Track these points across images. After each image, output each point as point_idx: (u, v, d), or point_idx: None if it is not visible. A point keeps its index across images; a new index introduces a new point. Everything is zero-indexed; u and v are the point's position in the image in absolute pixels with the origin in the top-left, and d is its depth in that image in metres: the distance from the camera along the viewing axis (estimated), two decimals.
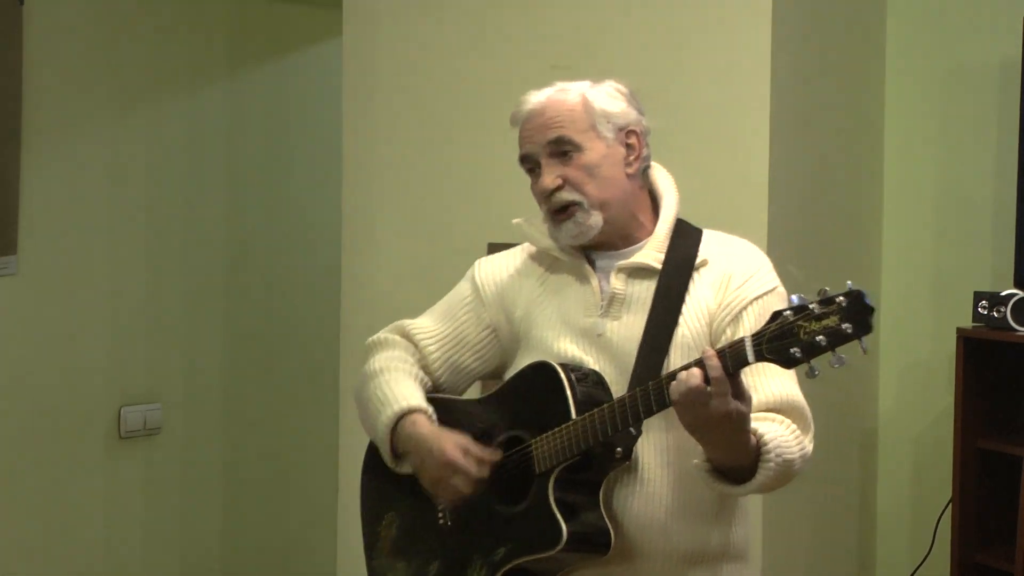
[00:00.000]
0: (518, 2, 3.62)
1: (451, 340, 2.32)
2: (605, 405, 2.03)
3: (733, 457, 1.95)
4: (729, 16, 3.36)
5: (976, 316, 3.46)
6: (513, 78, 3.58)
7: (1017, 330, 3.37)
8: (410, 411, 2.21)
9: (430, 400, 2.26)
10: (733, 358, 1.86)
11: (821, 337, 1.78)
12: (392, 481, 2.33)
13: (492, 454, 2.15)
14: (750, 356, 1.85)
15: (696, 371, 1.87)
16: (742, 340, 1.86)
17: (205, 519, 4.55)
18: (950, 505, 3.54)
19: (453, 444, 2.14)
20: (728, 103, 3.36)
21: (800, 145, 3.51)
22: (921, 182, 3.91)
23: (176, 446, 4.42)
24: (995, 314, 3.40)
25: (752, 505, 3.30)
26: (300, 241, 4.79)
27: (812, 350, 1.80)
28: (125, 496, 4.31)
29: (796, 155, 3.48)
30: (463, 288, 2.36)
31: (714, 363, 1.85)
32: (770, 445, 1.96)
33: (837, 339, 1.78)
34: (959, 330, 3.47)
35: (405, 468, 2.24)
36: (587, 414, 2.04)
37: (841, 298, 1.79)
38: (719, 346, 1.90)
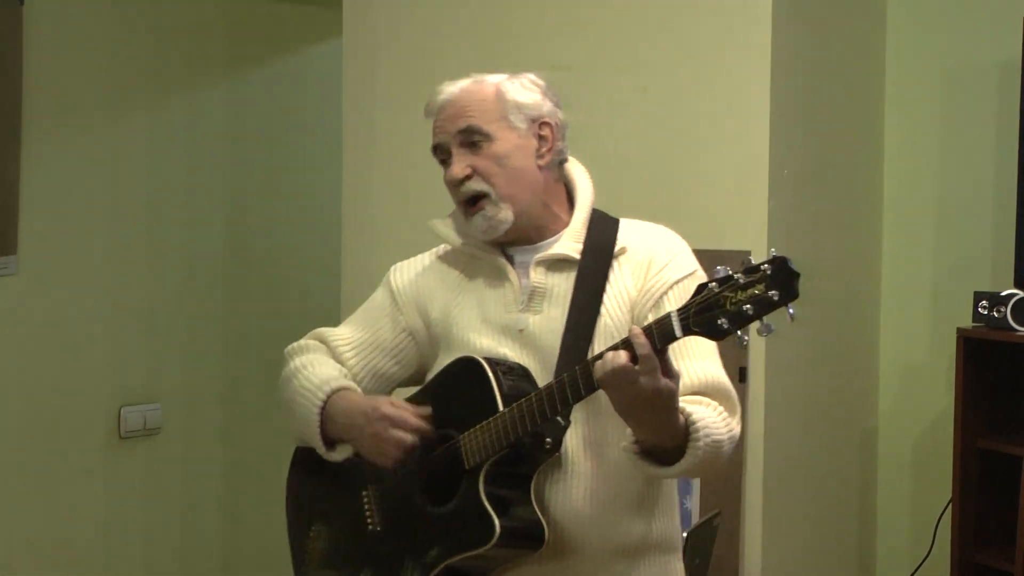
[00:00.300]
0: (518, 2, 3.62)
1: (368, 346, 2.30)
2: (532, 394, 2.00)
3: (662, 437, 1.93)
4: (729, 16, 3.36)
5: (976, 316, 3.46)
6: None
7: (1017, 330, 3.37)
8: (336, 390, 2.20)
9: None
10: (660, 334, 1.84)
11: (748, 306, 1.76)
12: (318, 492, 2.32)
13: (423, 409, 2.13)
14: (677, 330, 1.82)
15: (622, 351, 1.85)
16: (668, 315, 1.83)
17: (205, 519, 4.55)
18: (950, 505, 3.54)
19: (385, 400, 2.14)
20: (728, 104, 3.36)
21: (800, 145, 3.51)
22: (921, 182, 3.90)
23: (176, 446, 4.42)
24: (995, 314, 3.40)
25: (752, 505, 3.31)
26: (300, 240, 4.79)
27: (739, 319, 1.78)
28: (125, 496, 4.30)
29: (796, 155, 3.48)
30: (380, 295, 2.34)
31: (641, 340, 1.83)
32: (699, 424, 1.94)
33: (764, 307, 1.76)
34: (959, 330, 3.47)
35: (341, 453, 2.21)
36: (514, 405, 2.02)
37: (766, 265, 1.76)
38: (645, 324, 1.88)
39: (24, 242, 4.01)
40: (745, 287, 1.77)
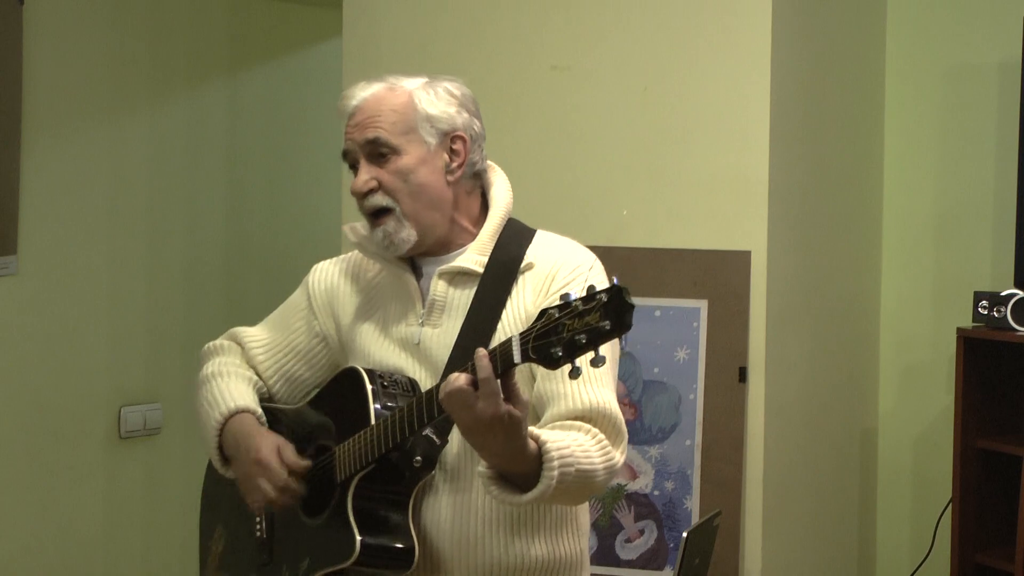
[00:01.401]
0: (518, 2, 3.62)
1: (282, 349, 2.28)
2: (396, 409, 1.96)
3: (510, 464, 1.85)
4: (729, 16, 3.36)
5: (976, 316, 3.46)
6: (513, 78, 3.60)
7: (1017, 330, 3.37)
8: (238, 411, 2.18)
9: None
10: (502, 358, 1.78)
11: (582, 335, 1.69)
12: (223, 495, 2.31)
13: (303, 463, 2.09)
14: (516, 356, 1.76)
15: (463, 374, 1.80)
16: (510, 339, 1.77)
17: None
18: (950, 505, 3.54)
19: (269, 444, 2.11)
20: (728, 104, 3.36)
21: (800, 145, 3.51)
22: (921, 182, 3.91)
23: (176, 446, 4.42)
24: (995, 314, 3.40)
25: (752, 505, 3.31)
26: (300, 241, 4.79)
27: (573, 349, 1.71)
28: (125, 496, 4.31)
29: (796, 155, 3.48)
30: (298, 296, 2.32)
31: (483, 363, 1.77)
32: (553, 452, 1.85)
33: (597, 337, 1.69)
34: (959, 330, 3.47)
35: (232, 471, 2.20)
36: (380, 420, 1.98)
37: (602, 294, 1.70)
38: (492, 346, 1.82)
39: (24, 242, 4.01)
40: (583, 315, 1.70)
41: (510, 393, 1.80)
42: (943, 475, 3.59)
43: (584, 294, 1.73)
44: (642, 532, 3.37)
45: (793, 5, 3.43)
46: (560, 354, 1.72)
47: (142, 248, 4.33)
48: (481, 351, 1.80)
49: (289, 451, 2.10)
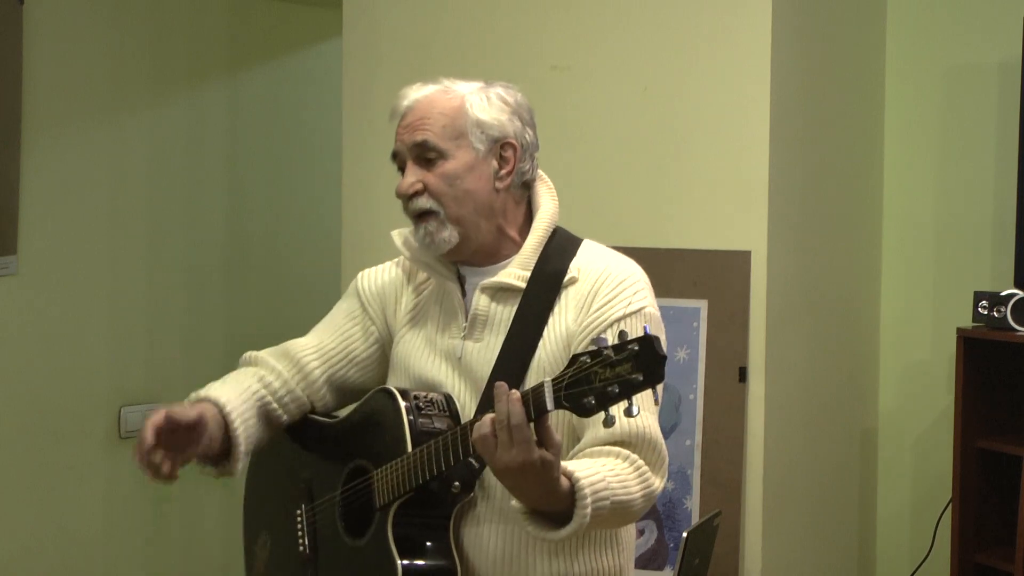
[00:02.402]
0: (518, 2, 3.62)
1: (336, 354, 2.25)
2: (435, 440, 1.94)
3: (543, 504, 1.83)
4: (729, 16, 3.36)
5: (976, 316, 3.46)
6: (513, 78, 3.58)
7: (1017, 330, 3.37)
8: (202, 400, 2.15)
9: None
10: (535, 403, 1.75)
11: (614, 386, 1.68)
12: (268, 501, 2.31)
13: (184, 416, 2.04)
14: (549, 403, 1.73)
15: (492, 418, 1.77)
16: (542, 385, 1.74)
17: (205, 519, 4.55)
18: (950, 505, 3.54)
19: (174, 411, 2.06)
20: (728, 104, 3.36)
21: (800, 145, 3.51)
22: (921, 182, 3.90)
23: None
24: (995, 314, 3.40)
25: (752, 505, 3.31)
26: (300, 241, 4.80)
27: (605, 400, 1.69)
28: (125, 496, 4.31)
29: (796, 155, 3.48)
30: (349, 303, 2.28)
31: (516, 409, 1.74)
32: (586, 490, 1.82)
33: (629, 389, 1.68)
34: (959, 330, 3.47)
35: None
36: (419, 448, 1.96)
37: (634, 345, 1.68)
38: (524, 389, 1.78)
39: (24, 242, 4.01)
40: (614, 364, 1.68)
41: (543, 436, 1.77)
42: (943, 475, 3.59)
43: (616, 342, 1.71)
44: (642, 532, 3.37)
45: (793, 5, 3.43)
46: (593, 403, 1.71)
47: (142, 248, 4.33)
48: (515, 395, 1.76)
49: (162, 418, 2.04)
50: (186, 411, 2.08)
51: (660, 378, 1.68)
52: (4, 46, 3.89)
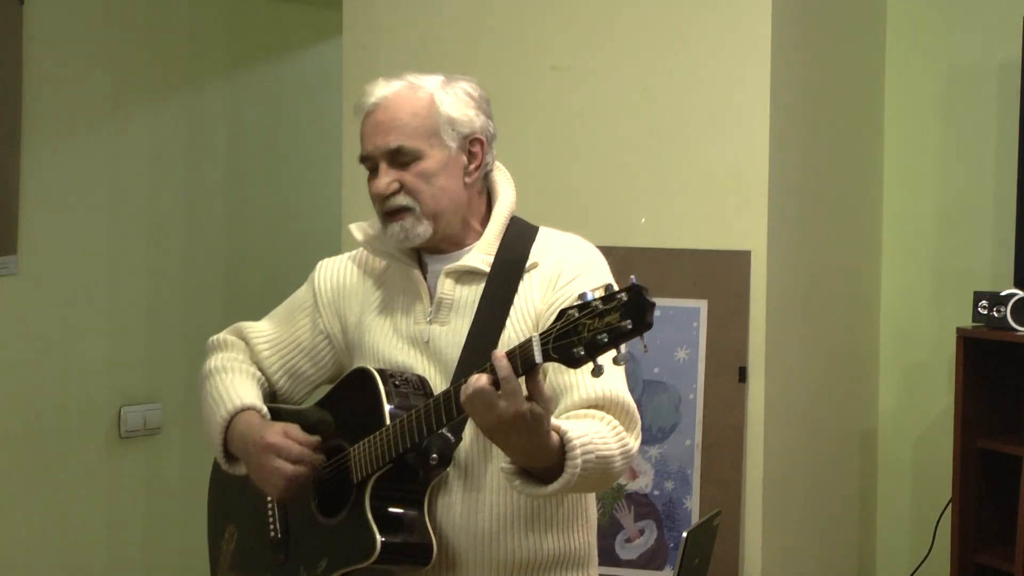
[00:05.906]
0: (518, 2, 3.62)
1: (287, 345, 2.29)
2: (414, 410, 1.98)
3: (534, 459, 1.88)
4: (729, 16, 3.36)
5: (976, 316, 3.47)
6: (513, 78, 3.60)
7: (1017, 330, 3.37)
8: (244, 409, 2.18)
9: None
10: (523, 358, 1.80)
11: (603, 335, 1.73)
12: (234, 494, 2.31)
13: (312, 438, 2.11)
14: (537, 356, 1.79)
15: (484, 375, 1.82)
16: (530, 340, 1.80)
17: (205, 519, 4.54)
18: (950, 505, 3.54)
19: (276, 430, 2.11)
20: (728, 104, 3.37)
21: (800, 145, 3.52)
22: (921, 182, 3.91)
23: (176, 446, 4.42)
24: (995, 314, 3.41)
25: (752, 505, 3.31)
26: (300, 241, 4.79)
27: (595, 349, 1.74)
28: (125, 496, 4.31)
29: (796, 155, 3.49)
30: (303, 292, 2.32)
31: (503, 364, 1.80)
32: (575, 442, 1.88)
33: (618, 336, 1.72)
34: (959, 330, 3.47)
35: (238, 469, 2.21)
36: (396, 420, 2.00)
37: (622, 294, 1.73)
38: (510, 347, 1.83)
39: (24, 242, 4.01)
40: (603, 315, 1.73)
41: (534, 391, 1.82)
42: (943, 475, 3.59)
43: (603, 293, 1.75)
44: (642, 532, 3.37)
45: (793, 5, 3.43)
46: (582, 353, 1.75)
47: (142, 248, 4.33)
48: (498, 353, 1.81)
49: (295, 430, 2.12)
50: (297, 434, 2.12)
51: (649, 325, 1.72)
52: (4, 46, 3.89)
